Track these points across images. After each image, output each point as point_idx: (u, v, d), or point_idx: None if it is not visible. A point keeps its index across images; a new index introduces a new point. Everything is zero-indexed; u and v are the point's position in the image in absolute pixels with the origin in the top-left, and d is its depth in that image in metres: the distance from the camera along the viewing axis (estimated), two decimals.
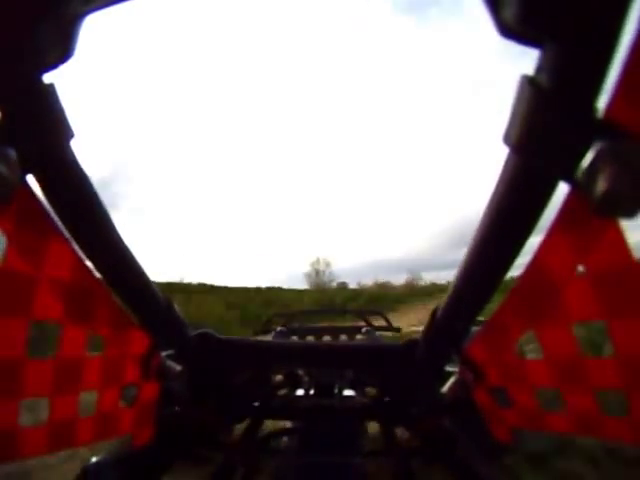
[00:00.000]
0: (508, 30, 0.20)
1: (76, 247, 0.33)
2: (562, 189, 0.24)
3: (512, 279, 0.37)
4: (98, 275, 0.36)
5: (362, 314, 1.80)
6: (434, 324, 0.45)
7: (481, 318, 0.43)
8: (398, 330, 1.70)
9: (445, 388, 0.54)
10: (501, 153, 0.25)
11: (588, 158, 0.20)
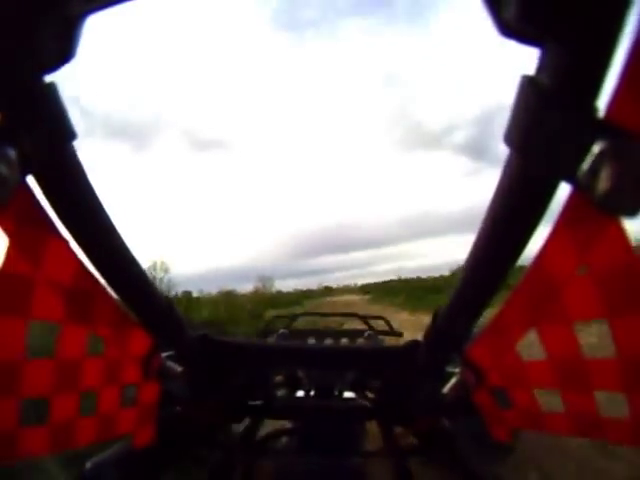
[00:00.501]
0: (508, 30, 0.20)
1: (76, 247, 0.33)
2: (563, 189, 0.24)
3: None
4: (98, 275, 0.36)
5: (364, 318, 1.80)
6: (435, 325, 0.45)
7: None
8: (400, 334, 1.70)
9: (446, 389, 0.54)
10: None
11: (589, 158, 0.20)
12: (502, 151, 0.25)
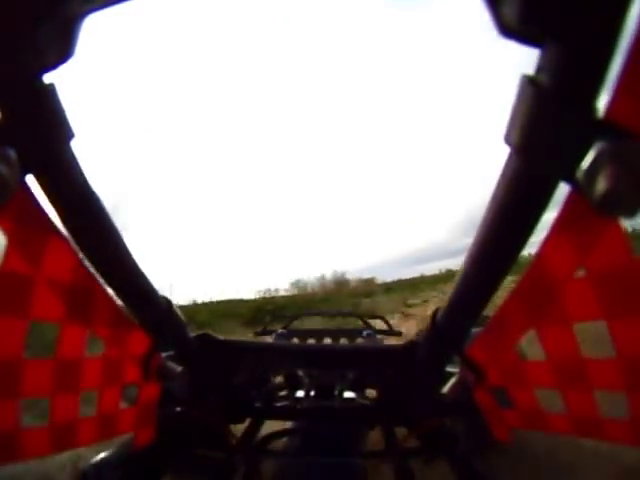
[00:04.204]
0: (508, 29, 0.20)
1: (76, 247, 0.33)
2: (563, 189, 0.24)
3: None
4: (98, 275, 0.36)
5: (363, 317, 1.81)
6: (435, 325, 0.45)
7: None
8: (399, 334, 1.71)
9: (446, 389, 0.54)
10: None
11: (588, 158, 0.20)
12: None
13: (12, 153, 0.23)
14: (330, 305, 6.75)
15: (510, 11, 0.19)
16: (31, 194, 0.28)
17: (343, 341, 1.43)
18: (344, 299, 7.48)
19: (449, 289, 0.40)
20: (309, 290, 10.70)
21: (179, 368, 0.54)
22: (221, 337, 0.58)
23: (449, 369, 0.55)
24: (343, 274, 10.71)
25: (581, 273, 0.28)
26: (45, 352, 0.35)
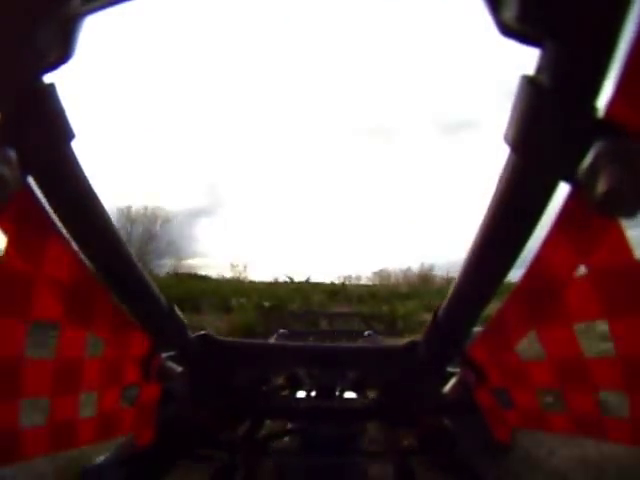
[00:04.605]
0: (508, 29, 0.20)
1: (76, 247, 0.33)
2: (562, 189, 0.24)
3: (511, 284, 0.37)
4: (98, 276, 0.36)
5: (364, 318, 1.81)
6: (435, 325, 0.45)
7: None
8: (400, 334, 1.71)
9: (446, 389, 0.54)
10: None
11: (588, 158, 0.20)
12: None
13: (12, 153, 0.23)
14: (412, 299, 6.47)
15: (510, 11, 0.19)
16: (31, 194, 0.28)
17: (344, 341, 1.43)
18: (428, 295, 7.13)
19: None
20: (392, 280, 10.51)
21: (179, 369, 0.54)
22: (221, 338, 0.58)
23: (450, 369, 0.55)
24: (431, 268, 10.33)
25: (581, 273, 0.28)
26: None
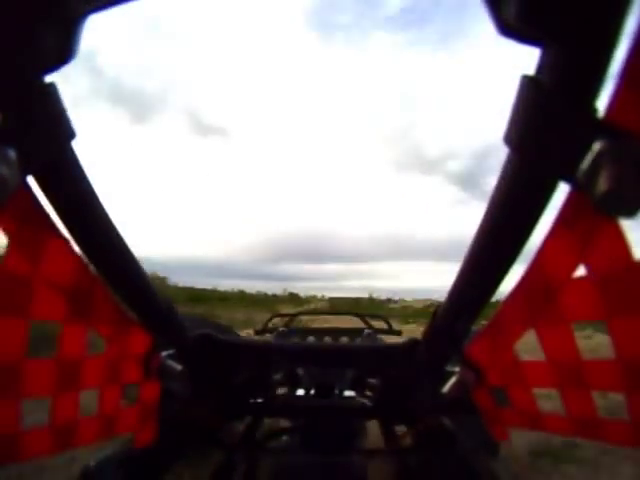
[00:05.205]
0: (508, 29, 0.20)
1: (76, 247, 0.33)
2: (562, 189, 0.24)
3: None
4: (98, 275, 0.36)
5: (364, 317, 1.81)
6: (434, 324, 0.45)
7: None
8: (399, 333, 1.71)
9: (445, 388, 0.54)
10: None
11: (588, 158, 0.20)
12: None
13: (12, 154, 0.23)
14: None
15: (510, 11, 0.19)
16: (31, 194, 0.28)
17: (343, 340, 1.43)
18: None
19: None
20: None
21: (179, 367, 0.54)
22: (221, 336, 0.58)
23: (449, 368, 0.55)
24: None
25: (580, 273, 0.28)
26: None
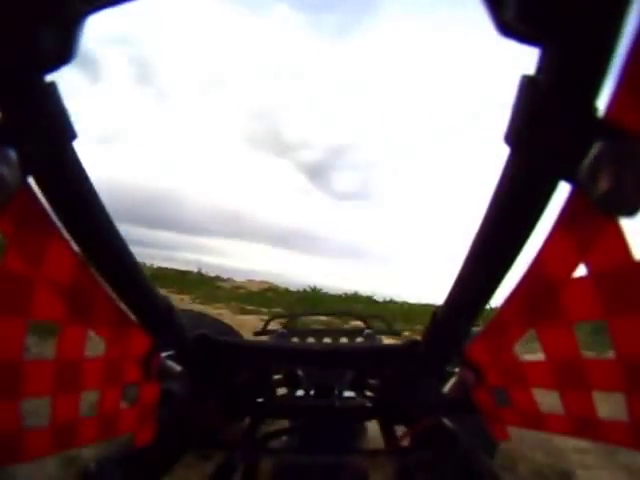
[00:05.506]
0: (508, 30, 0.20)
1: (76, 248, 0.33)
2: (563, 189, 0.24)
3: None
4: (98, 275, 0.36)
5: (362, 317, 1.80)
6: (435, 324, 0.45)
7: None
8: (398, 333, 1.71)
9: (446, 388, 0.54)
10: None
11: (589, 158, 0.20)
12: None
13: (13, 154, 0.23)
14: None
15: (510, 11, 0.19)
16: (32, 194, 0.28)
17: (343, 341, 1.43)
18: None
19: None
20: None
21: (179, 368, 0.54)
22: (220, 337, 0.58)
23: (449, 368, 0.55)
24: None
25: (581, 273, 0.28)
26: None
